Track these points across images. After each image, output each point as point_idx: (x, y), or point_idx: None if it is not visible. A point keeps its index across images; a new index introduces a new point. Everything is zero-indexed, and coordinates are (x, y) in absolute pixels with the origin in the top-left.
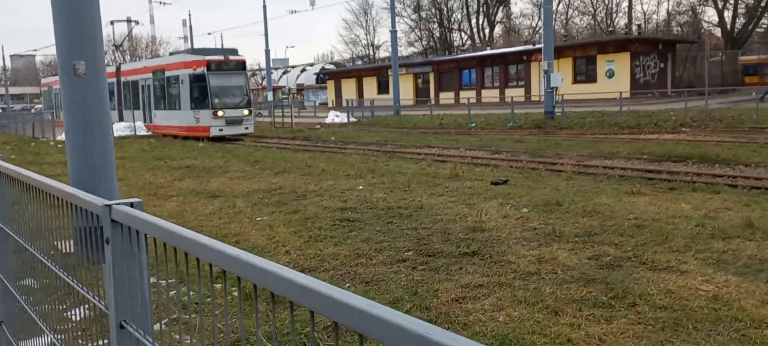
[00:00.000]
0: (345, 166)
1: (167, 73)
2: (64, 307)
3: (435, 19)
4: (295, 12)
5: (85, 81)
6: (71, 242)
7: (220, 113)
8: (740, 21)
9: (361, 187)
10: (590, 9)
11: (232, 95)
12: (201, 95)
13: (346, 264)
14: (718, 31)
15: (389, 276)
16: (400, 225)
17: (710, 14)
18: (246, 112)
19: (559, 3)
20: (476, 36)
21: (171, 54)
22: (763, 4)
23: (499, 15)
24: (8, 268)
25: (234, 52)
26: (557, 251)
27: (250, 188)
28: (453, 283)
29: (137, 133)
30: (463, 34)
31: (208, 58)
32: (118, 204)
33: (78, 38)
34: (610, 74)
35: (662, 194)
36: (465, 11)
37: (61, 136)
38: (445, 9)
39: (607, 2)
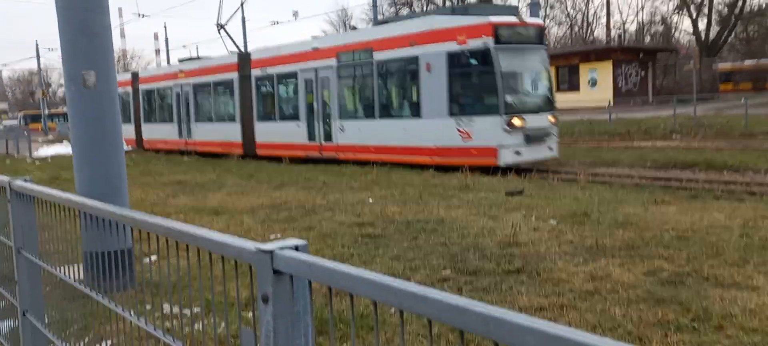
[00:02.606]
0: (346, 177)
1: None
2: None
3: None
4: (278, 23)
5: (96, 92)
6: (80, 267)
7: (518, 122)
8: (714, 29)
9: (371, 200)
10: (567, 19)
11: (532, 89)
12: (479, 89)
13: None
14: (692, 40)
15: None
16: (427, 240)
17: (686, 24)
18: (551, 118)
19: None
20: None
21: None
22: (736, 12)
23: None
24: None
25: (514, 10)
26: (608, 267)
27: (252, 204)
28: (510, 305)
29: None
30: None
31: (493, 20)
32: (282, 249)
33: (87, 48)
34: (593, 83)
35: (687, 203)
36: None
37: (40, 152)
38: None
39: (585, 13)
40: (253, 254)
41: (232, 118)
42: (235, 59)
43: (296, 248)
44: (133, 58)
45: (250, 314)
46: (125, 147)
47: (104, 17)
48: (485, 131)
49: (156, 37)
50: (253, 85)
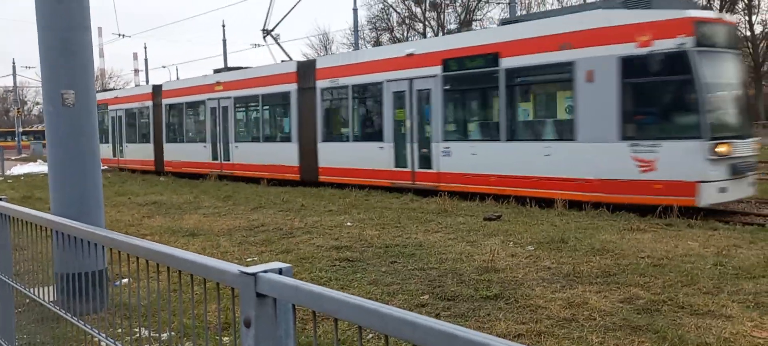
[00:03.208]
0: (324, 200)
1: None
2: None
3: None
4: (258, 46)
5: (75, 112)
6: (51, 288)
7: (724, 149)
8: None
9: (349, 223)
10: None
11: (735, 106)
12: (670, 105)
13: None
14: None
15: None
16: (406, 265)
17: None
18: (754, 144)
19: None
20: None
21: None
22: None
23: None
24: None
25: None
26: (585, 294)
27: (229, 226)
28: (488, 332)
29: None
30: None
31: (692, 15)
32: (266, 272)
33: (67, 66)
34: None
35: (662, 231)
36: None
37: (13, 170)
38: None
39: None
40: (236, 276)
41: (286, 138)
42: (293, 68)
43: (280, 271)
44: (111, 78)
45: (228, 339)
46: (142, 170)
47: (85, 36)
48: (678, 161)
49: (135, 56)
50: (317, 99)
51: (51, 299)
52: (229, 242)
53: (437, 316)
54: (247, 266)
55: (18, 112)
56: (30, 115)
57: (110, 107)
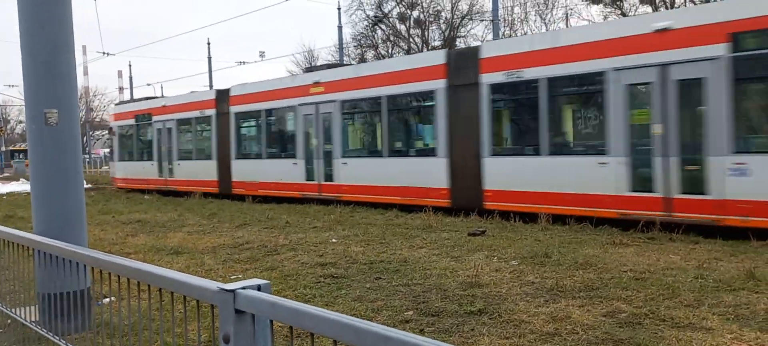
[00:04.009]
0: (309, 217)
1: None
2: None
3: None
4: (244, 63)
5: (58, 131)
6: (35, 308)
7: None
8: None
9: (334, 240)
10: None
11: None
12: None
13: None
14: None
15: None
16: (390, 281)
17: None
18: None
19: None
20: None
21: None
22: None
23: None
24: None
25: None
26: (568, 308)
27: (214, 243)
28: None
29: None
30: None
31: None
32: (244, 288)
33: (50, 86)
34: None
35: (645, 245)
36: None
37: (0, 189)
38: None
39: None
40: (215, 293)
41: (427, 151)
42: (439, 59)
43: (259, 288)
44: (95, 96)
45: None
46: (201, 192)
47: (69, 56)
48: None
49: (120, 74)
50: (483, 100)
51: (33, 318)
52: (214, 260)
53: (421, 332)
54: (232, 282)
55: (1, 130)
56: (13, 133)
57: (156, 118)
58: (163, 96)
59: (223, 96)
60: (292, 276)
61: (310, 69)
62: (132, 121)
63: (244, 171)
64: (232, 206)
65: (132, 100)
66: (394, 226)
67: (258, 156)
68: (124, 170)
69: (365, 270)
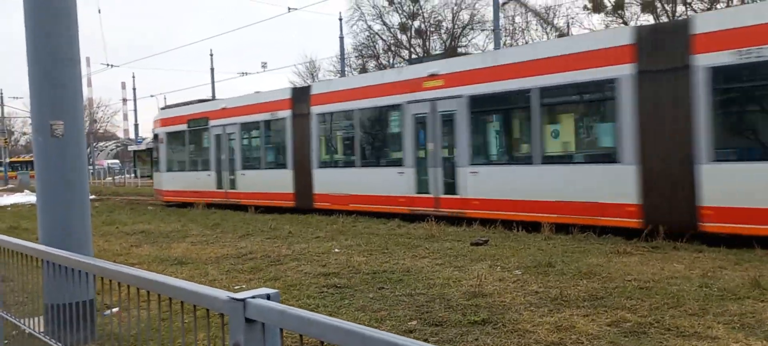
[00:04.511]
0: (311, 227)
1: None
2: None
3: None
4: (246, 73)
5: (64, 142)
6: (40, 319)
7: None
8: None
9: (337, 250)
10: None
11: None
12: None
13: None
14: None
15: None
16: (393, 291)
17: None
18: None
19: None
20: None
21: None
22: None
23: None
24: None
25: None
26: (572, 318)
27: (217, 254)
28: None
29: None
30: None
31: None
32: (254, 298)
33: (56, 98)
34: None
35: (649, 253)
36: None
37: (1, 201)
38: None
39: None
40: (225, 302)
41: (607, 157)
42: (625, 37)
43: (268, 297)
44: (99, 107)
45: None
46: (272, 206)
47: (75, 68)
48: None
49: (123, 86)
50: (707, 87)
51: (40, 329)
52: (217, 270)
53: (425, 342)
54: (241, 291)
55: (5, 142)
56: (17, 145)
57: (214, 122)
58: (215, 98)
59: (301, 95)
60: (296, 286)
61: (417, 60)
62: (183, 127)
63: (330, 182)
64: (236, 215)
65: (181, 104)
66: (397, 236)
67: (349, 164)
68: (173, 182)
69: (368, 280)
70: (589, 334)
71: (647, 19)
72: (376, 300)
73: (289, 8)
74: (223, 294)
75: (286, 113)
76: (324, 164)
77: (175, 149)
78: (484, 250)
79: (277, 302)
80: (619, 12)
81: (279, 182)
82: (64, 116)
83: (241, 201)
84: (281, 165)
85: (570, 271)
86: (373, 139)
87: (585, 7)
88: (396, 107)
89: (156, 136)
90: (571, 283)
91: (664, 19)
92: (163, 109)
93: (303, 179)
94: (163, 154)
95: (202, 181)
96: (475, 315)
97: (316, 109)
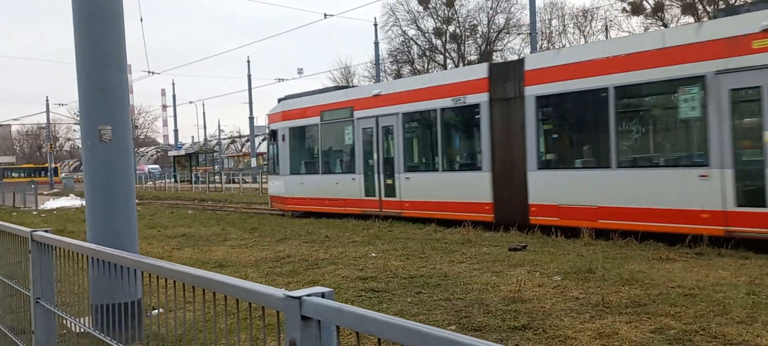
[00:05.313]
0: (348, 232)
1: None
2: None
3: None
4: (282, 80)
5: (111, 147)
6: (87, 319)
7: None
8: None
9: (373, 254)
10: None
11: None
12: None
13: None
14: None
15: None
16: (431, 296)
17: None
18: None
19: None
20: None
21: None
22: None
23: None
24: None
25: None
26: (615, 324)
27: (256, 257)
28: None
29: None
30: None
31: None
32: (310, 296)
33: (104, 103)
34: None
35: (693, 260)
36: None
37: (46, 205)
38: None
39: None
40: (281, 300)
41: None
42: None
43: (322, 295)
44: (140, 113)
45: None
46: (458, 219)
47: (122, 74)
48: None
49: (163, 93)
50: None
51: (89, 329)
52: (257, 273)
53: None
54: (297, 289)
55: (50, 147)
56: (61, 150)
57: (360, 113)
58: (343, 87)
59: (505, 72)
60: (334, 289)
61: (730, 10)
62: (315, 120)
63: (558, 189)
64: (273, 219)
65: (304, 94)
66: (433, 240)
67: (593, 165)
68: (299, 187)
69: (406, 284)
70: (632, 341)
71: (688, 21)
72: (414, 304)
73: (325, 14)
74: (278, 292)
75: (479, 98)
76: (544, 165)
77: (302, 147)
78: (522, 255)
79: (331, 300)
80: (659, 14)
81: (467, 188)
82: (112, 121)
83: (404, 212)
84: (470, 167)
85: (611, 277)
86: (643, 129)
87: (624, 10)
88: (688, 81)
89: (273, 133)
90: (612, 289)
91: (705, 19)
92: (282, 99)
93: (508, 185)
94: (285, 154)
95: (343, 187)
96: (514, 320)
97: (533, 90)
